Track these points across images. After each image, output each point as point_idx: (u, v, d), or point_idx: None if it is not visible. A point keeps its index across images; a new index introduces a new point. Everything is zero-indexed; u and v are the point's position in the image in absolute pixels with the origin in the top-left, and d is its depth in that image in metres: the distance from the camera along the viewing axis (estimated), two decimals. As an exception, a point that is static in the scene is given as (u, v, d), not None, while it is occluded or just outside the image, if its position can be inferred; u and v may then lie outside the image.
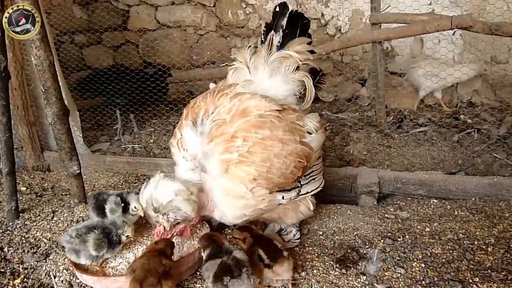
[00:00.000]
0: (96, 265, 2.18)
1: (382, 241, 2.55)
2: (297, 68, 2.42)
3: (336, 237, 2.64)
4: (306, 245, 2.55)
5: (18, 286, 2.18)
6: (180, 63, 5.96)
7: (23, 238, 2.75)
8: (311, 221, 2.81)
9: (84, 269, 2.16)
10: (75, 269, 2.14)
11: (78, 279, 2.18)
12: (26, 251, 2.58)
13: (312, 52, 2.52)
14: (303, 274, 2.27)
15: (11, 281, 2.22)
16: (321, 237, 2.65)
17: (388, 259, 2.35)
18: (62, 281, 2.17)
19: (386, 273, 2.24)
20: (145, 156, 4.36)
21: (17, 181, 3.92)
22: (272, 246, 2.19)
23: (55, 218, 3.03)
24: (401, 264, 2.31)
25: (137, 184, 3.85)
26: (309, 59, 2.46)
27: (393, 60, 5.45)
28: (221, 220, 2.28)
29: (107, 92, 4.79)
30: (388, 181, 3.26)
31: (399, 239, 2.55)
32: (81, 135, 4.37)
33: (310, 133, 2.34)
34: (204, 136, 2.19)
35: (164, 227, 2.12)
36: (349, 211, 2.95)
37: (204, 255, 2.11)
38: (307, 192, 2.44)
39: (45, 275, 2.27)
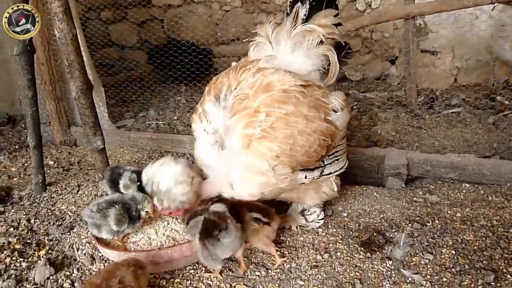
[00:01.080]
0: (117, 239, 2.18)
1: (409, 225, 2.45)
2: (321, 42, 2.30)
3: (361, 219, 2.55)
4: (329, 226, 2.48)
5: (42, 257, 2.20)
6: (204, 39, 5.87)
7: (49, 211, 2.79)
8: (336, 202, 2.73)
9: (106, 243, 2.16)
10: (97, 243, 2.15)
11: (100, 252, 2.20)
12: (51, 223, 2.61)
13: (338, 24, 2.39)
14: (326, 256, 2.20)
15: (36, 252, 2.26)
16: (346, 219, 2.57)
17: (416, 244, 2.25)
18: (84, 254, 2.19)
19: (414, 259, 2.15)
20: (169, 133, 4.34)
21: (45, 155, 3.99)
22: (260, 207, 2.18)
23: (80, 192, 3.06)
24: (429, 250, 2.21)
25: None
26: (333, 33, 2.34)
27: (426, 37, 5.18)
28: (231, 198, 2.23)
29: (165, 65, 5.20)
30: (417, 163, 3.12)
31: (428, 224, 2.44)
32: (106, 111, 4.38)
33: (336, 111, 2.23)
34: (227, 110, 2.13)
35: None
36: (375, 193, 2.85)
37: (187, 227, 2.11)
38: (330, 173, 2.36)
39: (69, 248, 2.29)
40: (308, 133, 2.08)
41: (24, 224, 2.59)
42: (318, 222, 2.47)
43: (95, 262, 2.14)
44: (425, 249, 2.21)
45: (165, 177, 2.11)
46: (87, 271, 2.09)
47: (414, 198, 2.77)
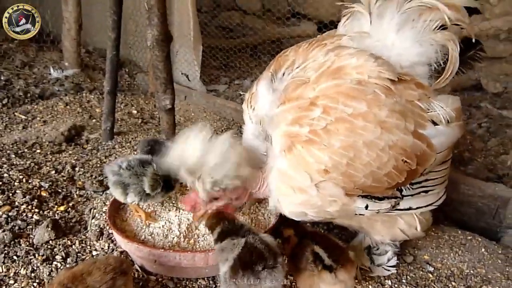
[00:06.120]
0: (138, 211, 1.74)
1: (527, 317, 1.58)
2: (443, 28, 1.50)
3: (453, 283, 1.74)
4: (403, 280, 1.72)
5: (58, 213, 1.89)
6: (324, 17, 5.13)
7: (98, 162, 2.52)
8: (422, 246, 1.95)
9: (118, 226, 1.71)
10: (108, 220, 1.69)
11: (110, 230, 1.78)
12: (93, 176, 2.32)
13: (474, 11, 1.54)
14: (385, 325, 1.49)
15: (56, 207, 1.95)
16: (430, 275, 1.77)
17: None
18: (96, 225, 1.80)
19: None
20: (257, 107, 3.83)
21: (132, 103, 3.82)
22: (331, 242, 1.54)
23: (138, 150, 2.74)
24: None
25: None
26: (462, 20, 1.51)
27: None
28: (275, 210, 1.64)
29: None
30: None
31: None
32: (199, 71, 4.04)
33: (436, 124, 1.46)
34: (277, 95, 1.54)
35: (198, 198, 1.56)
36: (483, 249, 1.97)
37: (213, 236, 1.51)
38: (411, 208, 1.60)
39: (89, 211, 1.94)
40: (381, 148, 1.37)
41: (68, 171, 2.33)
42: (387, 270, 1.73)
43: (101, 239, 1.74)
44: None
45: (193, 144, 1.51)
46: (88, 247, 1.70)
47: (543, 274, 1.84)
